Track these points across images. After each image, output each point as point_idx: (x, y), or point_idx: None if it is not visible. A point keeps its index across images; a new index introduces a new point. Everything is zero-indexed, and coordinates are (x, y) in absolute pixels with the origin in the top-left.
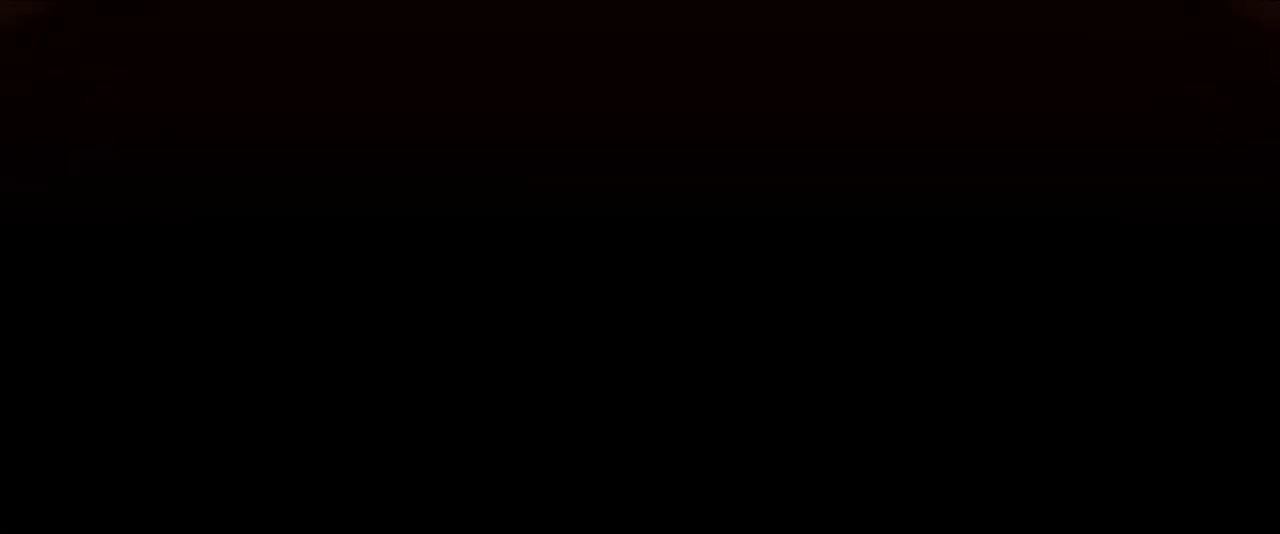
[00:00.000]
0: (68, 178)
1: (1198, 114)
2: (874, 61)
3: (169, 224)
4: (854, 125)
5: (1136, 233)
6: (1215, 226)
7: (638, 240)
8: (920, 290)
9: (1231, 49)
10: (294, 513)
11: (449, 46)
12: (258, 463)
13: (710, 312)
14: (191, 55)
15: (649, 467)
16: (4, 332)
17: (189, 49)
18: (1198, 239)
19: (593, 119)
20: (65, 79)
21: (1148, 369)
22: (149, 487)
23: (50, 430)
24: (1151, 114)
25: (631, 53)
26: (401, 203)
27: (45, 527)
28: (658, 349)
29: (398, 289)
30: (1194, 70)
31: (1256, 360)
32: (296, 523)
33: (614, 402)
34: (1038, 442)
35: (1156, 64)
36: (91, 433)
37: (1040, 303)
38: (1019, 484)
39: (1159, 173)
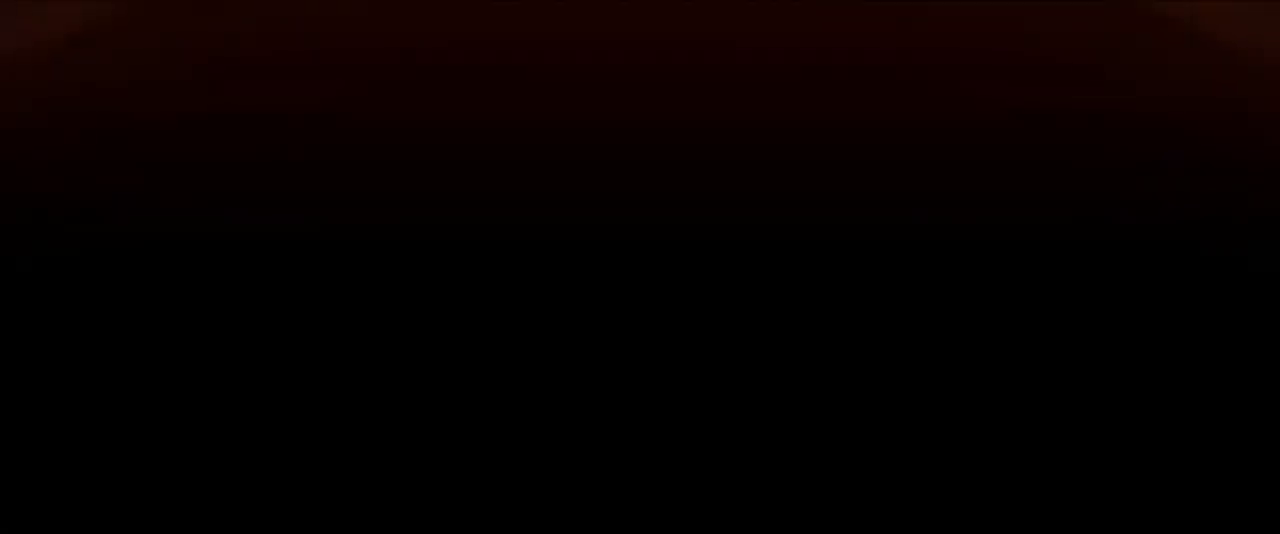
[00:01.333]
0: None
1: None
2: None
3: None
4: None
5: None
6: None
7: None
8: (879, 297)
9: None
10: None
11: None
12: (259, 467)
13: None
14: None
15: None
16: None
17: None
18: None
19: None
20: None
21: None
22: (152, 489)
23: (64, 437)
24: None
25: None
26: (400, 219)
27: (45, 527)
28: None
29: (390, 304)
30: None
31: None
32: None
33: (597, 409)
34: (999, 451)
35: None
36: (105, 440)
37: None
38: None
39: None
